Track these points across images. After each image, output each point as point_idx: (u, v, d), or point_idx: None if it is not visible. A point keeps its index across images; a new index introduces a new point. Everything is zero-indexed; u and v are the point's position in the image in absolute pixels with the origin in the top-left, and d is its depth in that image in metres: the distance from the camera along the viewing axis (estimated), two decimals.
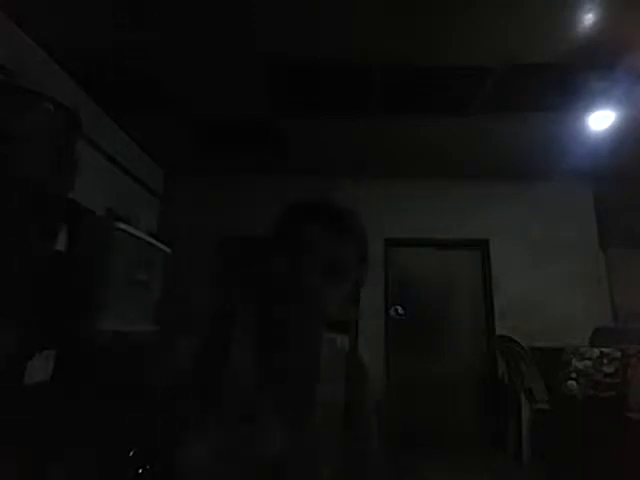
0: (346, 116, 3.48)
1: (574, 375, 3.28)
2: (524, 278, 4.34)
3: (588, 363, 3.28)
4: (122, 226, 2.62)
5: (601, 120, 3.26)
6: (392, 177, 4.55)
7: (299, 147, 4.01)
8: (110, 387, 2.09)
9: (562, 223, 4.48)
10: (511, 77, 2.87)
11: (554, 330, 3.99)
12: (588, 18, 2.36)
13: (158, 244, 3.10)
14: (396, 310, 4.33)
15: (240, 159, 4.32)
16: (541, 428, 3.49)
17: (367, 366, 0.91)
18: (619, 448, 2.88)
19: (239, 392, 0.76)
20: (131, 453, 0.81)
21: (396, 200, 4.56)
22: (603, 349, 3.32)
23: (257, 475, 0.71)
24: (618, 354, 3.27)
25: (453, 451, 3.84)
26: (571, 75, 2.84)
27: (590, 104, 3.12)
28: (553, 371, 3.49)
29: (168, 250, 3.24)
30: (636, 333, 3.61)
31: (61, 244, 1.89)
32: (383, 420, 0.90)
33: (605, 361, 3.26)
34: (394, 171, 4.49)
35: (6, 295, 1.60)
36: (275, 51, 2.70)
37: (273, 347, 0.81)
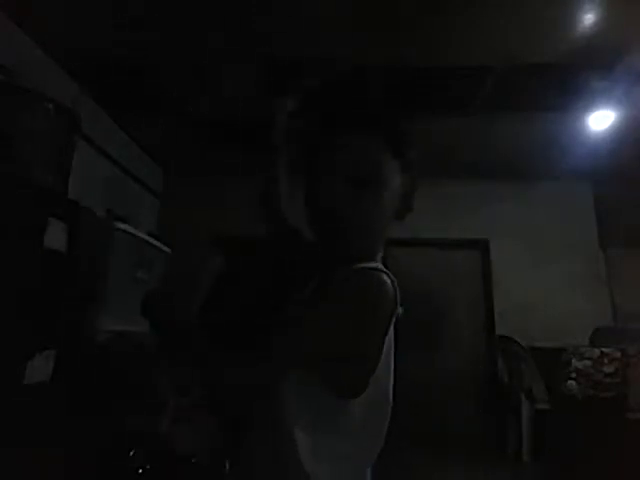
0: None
1: (574, 375, 3.28)
2: (524, 278, 4.34)
3: (588, 363, 3.28)
4: (122, 226, 2.62)
5: (601, 120, 3.26)
6: None
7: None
8: (110, 387, 2.09)
9: (562, 223, 4.48)
10: (511, 77, 2.87)
11: (554, 330, 3.99)
12: (588, 18, 2.35)
13: (158, 244, 3.10)
14: None
15: (240, 159, 4.32)
16: (541, 428, 3.49)
17: None
18: (619, 448, 2.88)
19: None
20: (131, 453, 0.81)
21: None
22: (603, 349, 3.32)
23: None
24: (618, 354, 3.27)
25: (453, 451, 3.84)
26: (571, 75, 2.83)
27: (590, 104, 3.11)
28: (553, 371, 3.49)
29: (168, 250, 3.23)
30: (636, 333, 3.61)
31: (61, 244, 1.89)
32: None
33: (605, 361, 3.26)
34: None
35: (6, 295, 1.60)
36: (275, 51, 2.69)
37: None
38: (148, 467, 1.95)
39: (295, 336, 0.69)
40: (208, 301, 0.75)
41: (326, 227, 0.74)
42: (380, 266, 0.77)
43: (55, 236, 1.85)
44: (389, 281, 0.72)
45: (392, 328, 0.75)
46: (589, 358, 3.29)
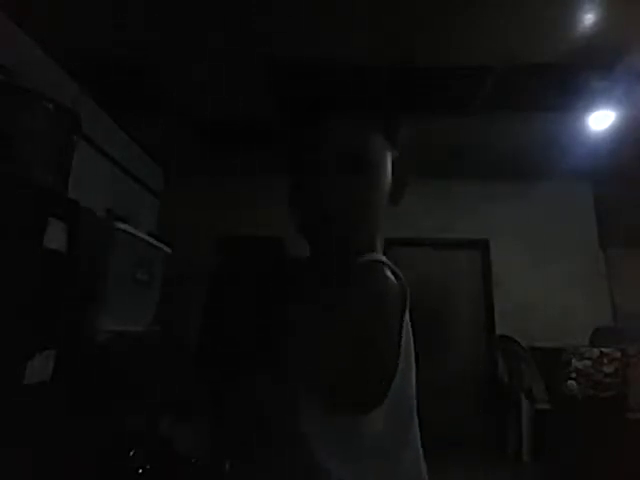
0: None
1: (574, 375, 3.28)
2: (524, 278, 4.34)
3: (588, 363, 3.28)
4: (122, 226, 2.62)
5: (601, 120, 3.26)
6: None
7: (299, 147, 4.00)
8: (110, 387, 2.09)
9: (562, 223, 4.48)
10: (511, 77, 2.87)
11: (554, 330, 3.99)
12: (588, 18, 2.35)
13: (158, 244, 3.10)
14: None
15: (240, 159, 4.32)
16: (541, 428, 3.49)
17: None
18: (619, 448, 2.88)
19: None
20: (131, 453, 0.81)
21: None
22: (603, 349, 3.32)
23: None
24: (618, 354, 3.27)
25: (453, 451, 3.84)
26: (571, 75, 2.84)
27: (590, 104, 3.11)
28: (553, 371, 3.49)
29: (168, 250, 3.23)
30: (636, 333, 3.61)
31: (61, 244, 1.89)
32: None
33: (605, 361, 3.26)
34: None
35: (6, 295, 1.60)
36: (275, 51, 2.69)
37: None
38: (148, 467, 1.95)
39: (302, 352, 0.64)
40: (206, 323, 0.73)
41: (319, 218, 0.69)
42: (381, 258, 0.70)
43: (55, 236, 1.85)
44: (392, 275, 0.65)
45: (408, 324, 0.67)
46: (589, 358, 3.29)
